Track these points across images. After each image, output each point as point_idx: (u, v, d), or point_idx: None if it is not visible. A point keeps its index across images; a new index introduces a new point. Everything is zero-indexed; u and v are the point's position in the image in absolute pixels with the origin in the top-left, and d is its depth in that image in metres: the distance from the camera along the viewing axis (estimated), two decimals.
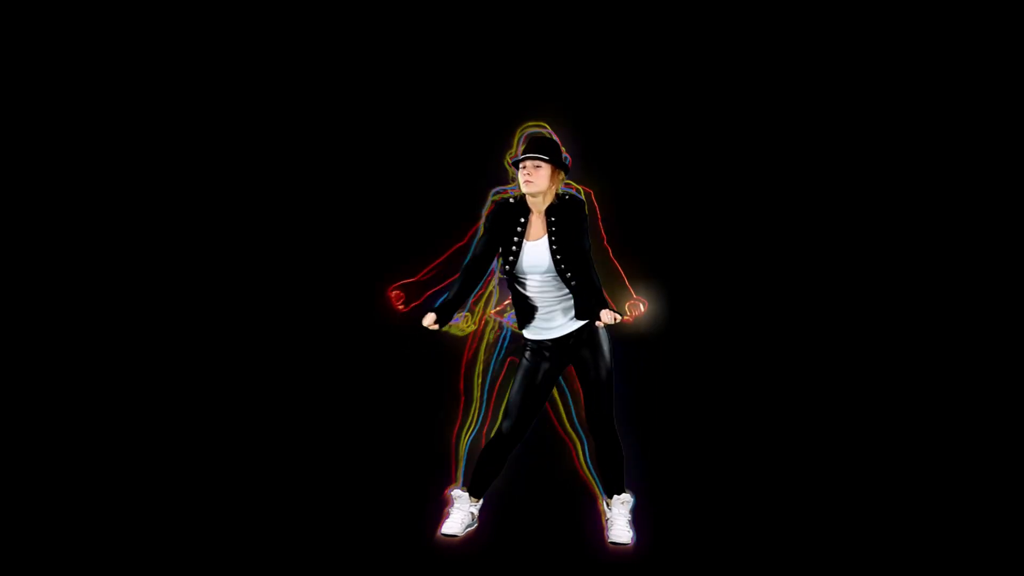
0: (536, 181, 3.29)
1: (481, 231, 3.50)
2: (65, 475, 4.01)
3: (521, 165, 3.32)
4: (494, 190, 3.77)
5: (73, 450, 4.23)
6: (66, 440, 4.28)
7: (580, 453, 3.79)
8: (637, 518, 3.50)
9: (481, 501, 3.55)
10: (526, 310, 3.41)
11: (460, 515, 3.50)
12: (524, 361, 3.44)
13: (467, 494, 3.53)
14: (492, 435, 3.50)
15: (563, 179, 3.38)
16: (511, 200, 3.42)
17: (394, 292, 3.65)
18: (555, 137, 3.59)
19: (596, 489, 3.64)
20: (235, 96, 4.49)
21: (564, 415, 3.83)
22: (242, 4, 4.49)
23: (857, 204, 4.42)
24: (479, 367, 3.82)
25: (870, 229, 4.41)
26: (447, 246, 3.87)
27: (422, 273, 3.70)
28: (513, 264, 3.36)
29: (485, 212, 3.60)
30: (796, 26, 4.42)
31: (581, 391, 3.49)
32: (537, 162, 3.29)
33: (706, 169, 4.43)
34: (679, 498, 3.86)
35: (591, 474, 3.71)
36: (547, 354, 3.40)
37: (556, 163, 3.31)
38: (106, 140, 4.48)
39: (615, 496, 3.48)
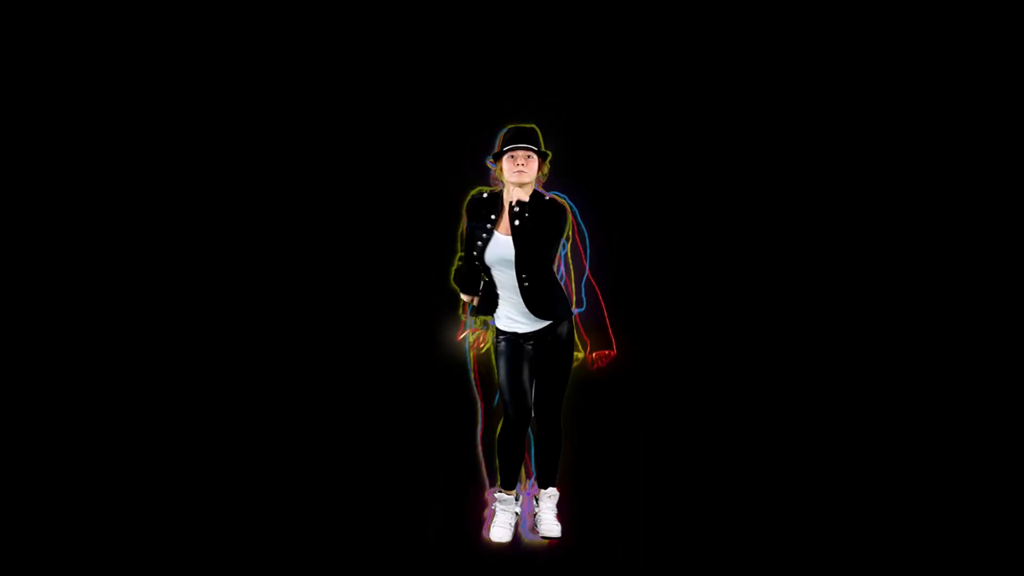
0: (528, 171, 3.32)
1: (462, 227, 3.55)
2: (63, 476, 4.09)
3: (511, 155, 3.32)
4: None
5: (70, 451, 4.29)
6: (62, 440, 4.32)
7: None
8: (630, 517, 3.60)
9: (521, 498, 3.59)
10: (495, 302, 3.46)
11: (506, 517, 3.54)
12: (501, 348, 3.46)
13: (511, 496, 3.54)
14: (500, 426, 3.52)
15: (545, 173, 3.41)
16: (484, 195, 3.45)
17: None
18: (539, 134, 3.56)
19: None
20: (230, 97, 4.43)
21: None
22: (237, 2, 4.49)
23: (854, 212, 4.33)
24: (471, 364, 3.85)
25: (866, 238, 4.33)
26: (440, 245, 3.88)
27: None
28: (481, 253, 3.38)
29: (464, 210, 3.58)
30: (799, 29, 4.32)
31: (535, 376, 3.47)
32: (529, 152, 3.32)
33: (702, 170, 4.38)
34: (680, 499, 3.91)
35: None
36: (521, 342, 3.44)
37: (542, 156, 3.35)
38: (103, 136, 4.46)
39: (543, 490, 3.53)
